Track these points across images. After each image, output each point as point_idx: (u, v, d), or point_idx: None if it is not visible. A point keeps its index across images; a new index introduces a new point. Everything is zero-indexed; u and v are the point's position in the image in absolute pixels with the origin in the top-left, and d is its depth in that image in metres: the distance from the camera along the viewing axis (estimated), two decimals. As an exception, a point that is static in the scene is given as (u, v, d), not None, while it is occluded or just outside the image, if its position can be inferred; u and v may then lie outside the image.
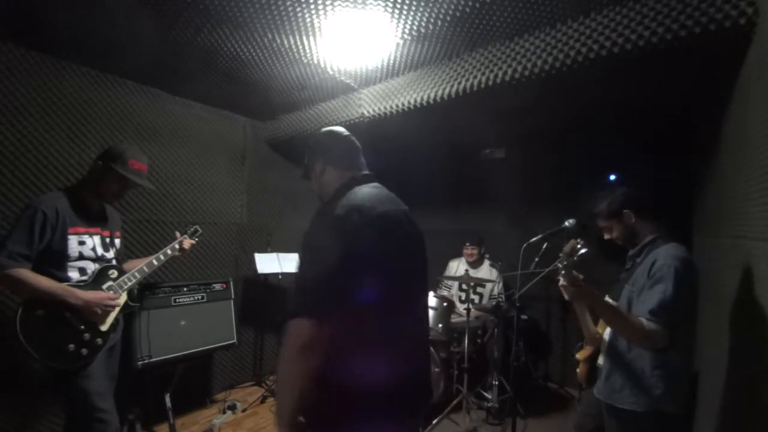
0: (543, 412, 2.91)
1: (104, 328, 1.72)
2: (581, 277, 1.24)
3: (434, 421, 2.67)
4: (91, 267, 1.75)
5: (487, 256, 3.50)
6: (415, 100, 2.46)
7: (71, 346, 1.60)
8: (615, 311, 1.33)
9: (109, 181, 1.76)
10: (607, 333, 1.53)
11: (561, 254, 1.28)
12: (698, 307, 1.38)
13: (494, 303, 3.23)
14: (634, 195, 1.52)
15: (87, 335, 1.65)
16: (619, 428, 1.42)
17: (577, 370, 1.69)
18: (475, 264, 3.45)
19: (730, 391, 1.50)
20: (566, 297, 1.33)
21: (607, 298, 1.53)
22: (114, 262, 1.86)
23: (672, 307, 1.27)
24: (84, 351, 1.63)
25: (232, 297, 2.97)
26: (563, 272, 1.25)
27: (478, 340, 3.04)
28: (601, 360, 1.55)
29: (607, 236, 1.60)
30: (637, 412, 1.34)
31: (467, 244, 3.44)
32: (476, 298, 3.40)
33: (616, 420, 1.42)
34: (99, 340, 1.69)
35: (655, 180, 2.43)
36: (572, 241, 1.27)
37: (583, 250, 1.26)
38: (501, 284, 3.38)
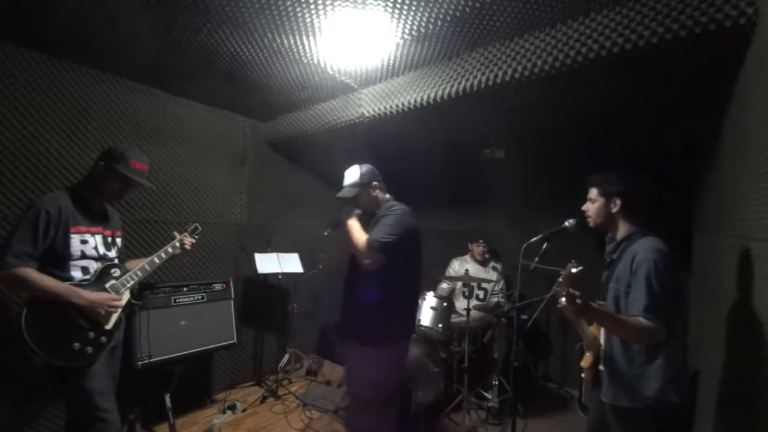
0: (543, 412, 2.91)
1: (108, 326, 1.72)
2: (578, 293, 1.25)
3: (434, 421, 2.67)
4: (94, 266, 1.74)
5: (488, 255, 3.51)
6: (415, 100, 2.45)
7: (76, 344, 1.60)
8: (615, 319, 1.34)
9: (111, 180, 1.76)
10: (602, 337, 1.53)
11: (560, 279, 1.27)
12: (686, 298, 1.39)
13: (495, 301, 3.24)
14: (633, 191, 1.52)
15: (92, 333, 1.65)
16: (624, 426, 1.42)
17: (582, 375, 1.68)
18: (484, 263, 3.46)
19: (730, 391, 1.50)
20: (568, 317, 1.34)
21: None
22: (116, 261, 1.87)
23: (663, 299, 1.30)
24: (89, 349, 1.63)
25: (232, 297, 2.97)
26: (563, 297, 1.25)
27: (482, 341, 3.04)
28: (602, 366, 1.55)
29: (584, 207, 1.61)
30: (640, 408, 1.35)
31: (480, 241, 3.45)
32: (480, 294, 3.40)
33: (621, 419, 1.42)
34: (103, 338, 1.69)
35: (655, 180, 2.43)
36: (568, 266, 1.28)
37: (575, 270, 1.26)
38: (502, 283, 3.39)
